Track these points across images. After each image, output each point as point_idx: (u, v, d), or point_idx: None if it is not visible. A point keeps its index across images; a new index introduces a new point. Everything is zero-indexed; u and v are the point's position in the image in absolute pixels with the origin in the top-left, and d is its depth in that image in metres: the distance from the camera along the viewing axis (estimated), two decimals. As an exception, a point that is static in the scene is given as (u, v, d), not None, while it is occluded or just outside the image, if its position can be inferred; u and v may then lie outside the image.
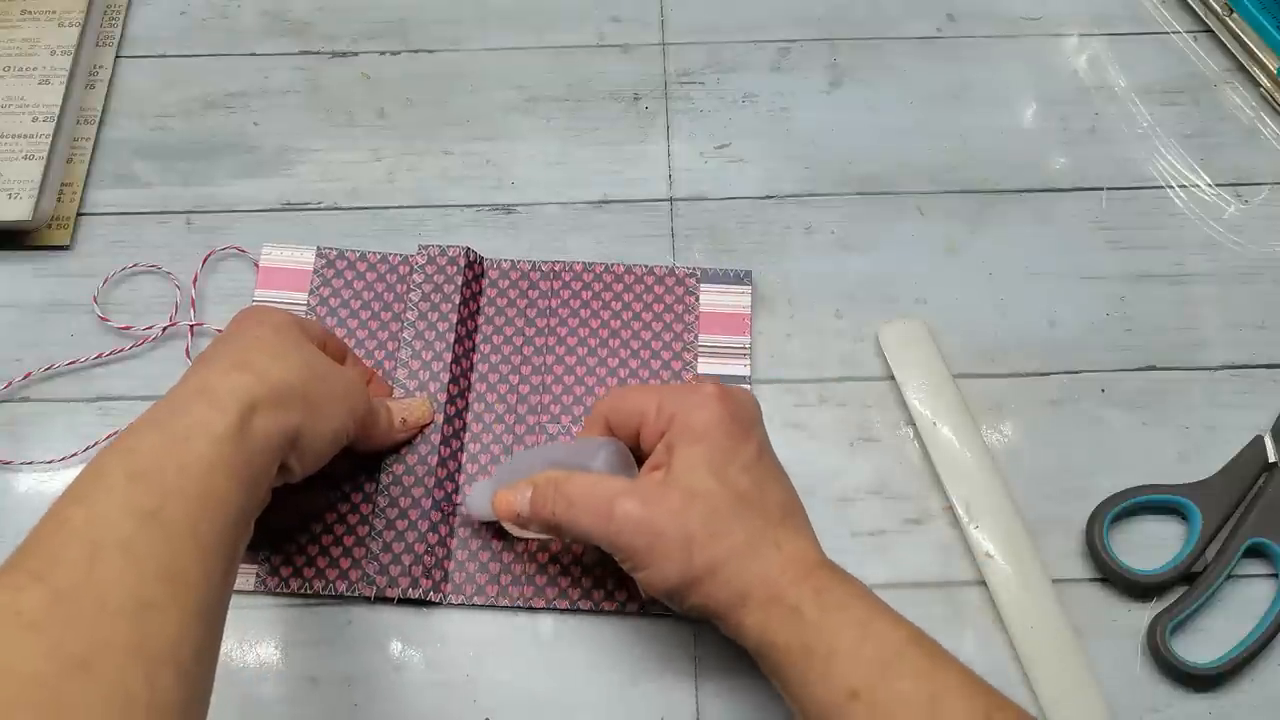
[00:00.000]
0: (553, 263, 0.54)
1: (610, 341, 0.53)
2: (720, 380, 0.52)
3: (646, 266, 0.55)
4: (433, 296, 0.52)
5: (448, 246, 0.53)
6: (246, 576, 0.48)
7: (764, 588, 0.38)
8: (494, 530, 0.49)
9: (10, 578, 0.32)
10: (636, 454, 0.45)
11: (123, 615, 0.32)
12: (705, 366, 0.52)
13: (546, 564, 0.48)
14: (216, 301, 0.54)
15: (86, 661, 0.31)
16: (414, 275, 0.52)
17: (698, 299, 0.54)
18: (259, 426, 0.38)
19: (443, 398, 0.50)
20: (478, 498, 0.47)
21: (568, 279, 0.54)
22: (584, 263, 0.54)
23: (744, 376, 0.52)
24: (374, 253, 0.54)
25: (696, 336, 0.53)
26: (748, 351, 0.53)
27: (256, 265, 0.54)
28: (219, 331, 0.53)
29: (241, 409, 0.38)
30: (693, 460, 0.40)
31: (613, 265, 0.54)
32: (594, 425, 0.46)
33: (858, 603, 0.38)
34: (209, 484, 0.36)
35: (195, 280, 0.54)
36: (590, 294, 0.54)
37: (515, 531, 0.46)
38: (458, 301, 0.52)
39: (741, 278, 0.54)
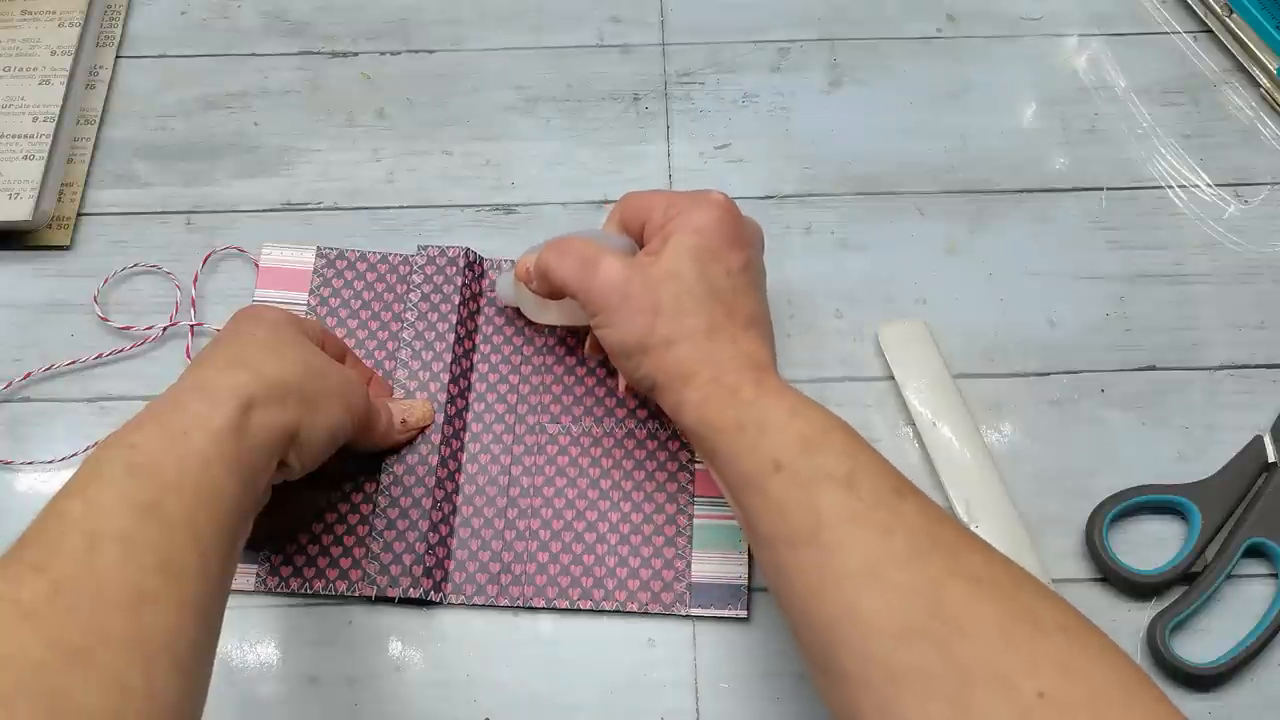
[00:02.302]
0: (553, 263, 0.54)
1: (610, 341, 0.53)
2: None
3: (646, 266, 0.55)
4: (432, 297, 0.52)
5: (447, 247, 0.53)
6: (246, 576, 0.48)
7: (710, 369, 0.41)
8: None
9: (9, 569, 0.33)
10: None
11: (121, 607, 0.32)
12: (705, 366, 0.52)
13: (546, 564, 0.48)
14: (216, 301, 0.54)
15: (85, 652, 0.31)
16: (414, 276, 0.52)
17: (698, 299, 0.54)
18: (257, 423, 0.39)
19: (443, 398, 0.50)
20: (503, 281, 0.52)
21: (568, 279, 0.54)
22: (584, 263, 0.54)
23: (744, 376, 0.52)
24: (374, 253, 0.54)
25: (696, 336, 0.53)
26: (748, 351, 0.53)
27: (256, 265, 0.54)
28: (219, 331, 0.53)
29: (239, 405, 0.38)
30: (681, 248, 0.43)
31: (613, 265, 0.54)
32: (611, 221, 0.48)
33: (792, 393, 0.41)
34: (207, 479, 0.36)
35: (195, 280, 0.54)
36: (590, 294, 0.54)
37: (533, 315, 0.50)
38: (457, 302, 0.52)
39: (741, 278, 0.54)
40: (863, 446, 0.39)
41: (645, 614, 0.48)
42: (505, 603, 0.48)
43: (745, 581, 0.48)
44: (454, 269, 0.52)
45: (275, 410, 0.40)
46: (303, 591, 0.48)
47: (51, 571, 0.32)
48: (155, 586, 0.33)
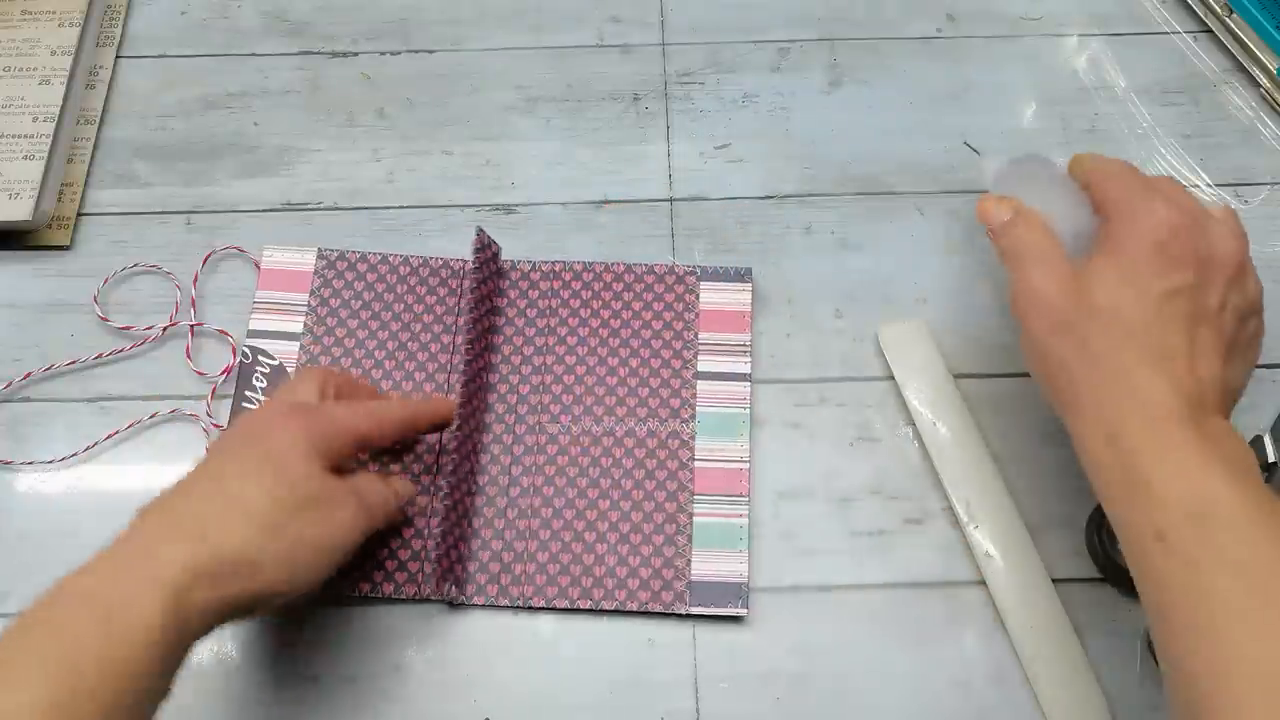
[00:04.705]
0: (553, 262, 0.54)
1: (610, 341, 0.53)
2: (721, 376, 0.52)
3: (646, 265, 0.55)
4: (438, 291, 0.52)
5: (490, 240, 0.53)
6: (246, 576, 0.48)
7: (1100, 409, 0.39)
8: (497, 528, 0.48)
9: None
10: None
11: None
12: (706, 364, 0.52)
13: (546, 564, 0.48)
14: (216, 301, 0.54)
15: None
16: (413, 277, 0.52)
17: (698, 297, 0.54)
18: (197, 602, 0.36)
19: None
20: (994, 172, 0.48)
21: (568, 279, 0.54)
22: (584, 262, 0.54)
23: (745, 374, 0.52)
24: (374, 253, 0.54)
25: (697, 334, 0.53)
26: (748, 349, 0.53)
27: (257, 265, 0.54)
28: (220, 332, 0.53)
29: (174, 592, 0.36)
30: (1119, 271, 0.40)
31: (613, 264, 0.54)
32: (1080, 165, 0.46)
33: (1192, 445, 0.37)
34: (129, 672, 0.35)
35: (195, 280, 0.54)
36: (590, 293, 0.54)
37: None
38: (459, 302, 0.52)
39: (742, 275, 0.54)
40: (1258, 514, 0.35)
41: (645, 614, 0.48)
42: (505, 603, 0.48)
43: (745, 580, 0.48)
44: (453, 271, 0.52)
45: (223, 586, 0.37)
46: (303, 591, 0.48)
47: None
48: None
